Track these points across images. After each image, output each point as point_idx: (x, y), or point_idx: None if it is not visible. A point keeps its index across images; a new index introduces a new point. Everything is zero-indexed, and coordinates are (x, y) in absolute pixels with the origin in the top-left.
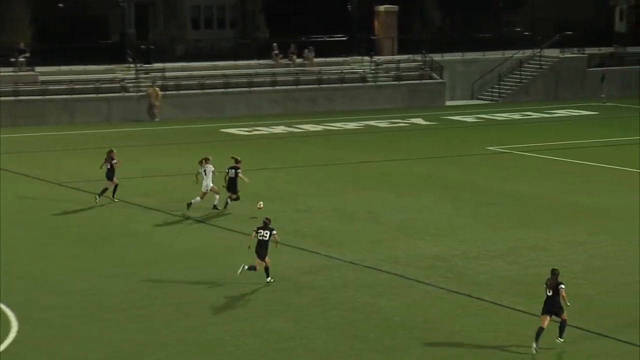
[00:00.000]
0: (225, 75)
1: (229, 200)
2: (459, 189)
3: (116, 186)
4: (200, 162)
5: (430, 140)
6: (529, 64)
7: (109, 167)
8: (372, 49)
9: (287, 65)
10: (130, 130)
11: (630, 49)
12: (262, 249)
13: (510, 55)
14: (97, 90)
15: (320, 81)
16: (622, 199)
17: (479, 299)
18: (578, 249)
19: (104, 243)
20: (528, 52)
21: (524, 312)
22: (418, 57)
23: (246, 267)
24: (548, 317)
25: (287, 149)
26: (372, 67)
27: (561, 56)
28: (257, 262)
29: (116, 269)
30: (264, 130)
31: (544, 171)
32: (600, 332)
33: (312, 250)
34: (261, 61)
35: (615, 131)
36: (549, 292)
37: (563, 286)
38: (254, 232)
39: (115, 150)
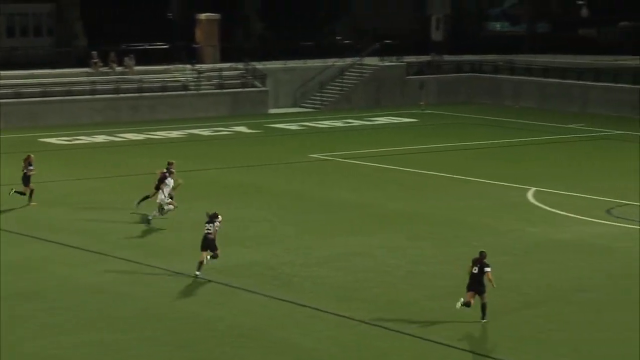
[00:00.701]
0: (42, 84)
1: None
2: (283, 196)
3: (32, 191)
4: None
5: (254, 149)
6: (350, 72)
7: (24, 172)
8: (194, 57)
9: (107, 74)
10: None
11: (446, 57)
12: (206, 242)
13: (332, 63)
14: None
15: (141, 89)
16: (440, 204)
17: (305, 305)
18: (400, 255)
19: None
20: (349, 61)
21: (348, 317)
22: (240, 65)
23: (197, 272)
24: (473, 294)
25: (108, 158)
26: (195, 76)
27: (381, 64)
28: (201, 255)
29: None
30: (84, 139)
31: (366, 178)
32: (421, 336)
33: (136, 261)
34: (80, 69)
35: (434, 138)
36: (475, 269)
37: (489, 269)
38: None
39: (33, 156)
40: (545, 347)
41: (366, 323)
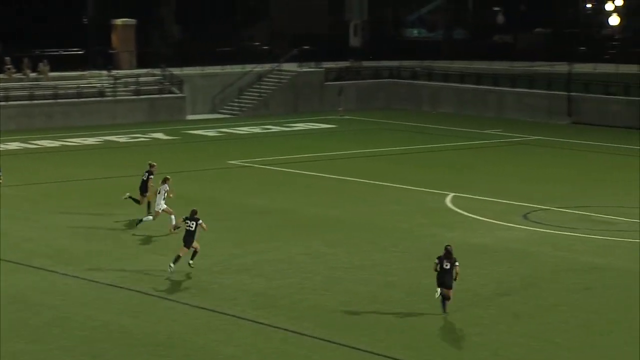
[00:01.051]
0: None
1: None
2: (200, 203)
3: None
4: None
5: (171, 155)
6: (268, 78)
7: None
8: (110, 62)
9: (20, 80)
10: None
11: (365, 63)
12: (188, 237)
13: (250, 69)
14: None
15: (56, 96)
16: (358, 210)
17: (223, 313)
18: (318, 261)
19: None
20: (267, 66)
21: (267, 325)
22: (157, 71)
23: (172, 264)
24: (444, 289)
25: (22, 166)
26: (111, 82)
27: (299, 70)
28: (181, 250)
29: None
30: None
31: (284, 184)
32: (341, 342)
33: (49, 269)
34: None
35: (352, 144)
36: (447, 265)
37: (458, 263)
38: (181, 220)
39: None
40: (465, 351)
41: (286, 330)
